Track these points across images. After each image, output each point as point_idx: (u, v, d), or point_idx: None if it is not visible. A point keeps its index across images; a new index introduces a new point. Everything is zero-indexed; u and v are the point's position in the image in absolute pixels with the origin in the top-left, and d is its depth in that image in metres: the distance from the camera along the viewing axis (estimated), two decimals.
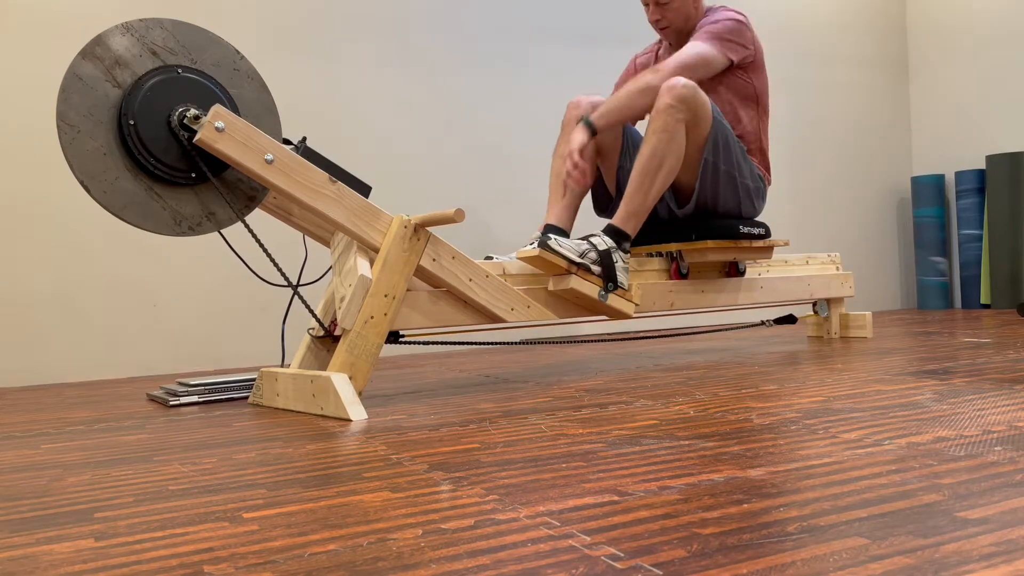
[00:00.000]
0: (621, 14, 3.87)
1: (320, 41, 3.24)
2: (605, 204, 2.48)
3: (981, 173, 4.32)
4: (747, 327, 2.54)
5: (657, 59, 2.50)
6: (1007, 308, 4.10)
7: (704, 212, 2.32)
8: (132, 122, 1.69)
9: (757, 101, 2.37)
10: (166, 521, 0.91)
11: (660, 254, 2.43)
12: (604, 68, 3.76)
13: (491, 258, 2.20)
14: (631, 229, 2.12)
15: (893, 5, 4.73)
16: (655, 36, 3.85)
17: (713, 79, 2.31)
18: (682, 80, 2.11)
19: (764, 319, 2.36)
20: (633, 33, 3.87)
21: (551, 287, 2.04)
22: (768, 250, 2.45)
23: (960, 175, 4.37)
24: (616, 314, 2.11)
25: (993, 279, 4.16)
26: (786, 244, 2.52)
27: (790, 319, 2.77)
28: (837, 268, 2.86)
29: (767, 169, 2.44)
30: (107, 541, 0.85)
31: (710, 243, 2.29)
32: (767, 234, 2.42)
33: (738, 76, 2.33)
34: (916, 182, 4.48)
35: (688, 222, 2.33)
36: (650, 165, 2.10)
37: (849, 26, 4.57)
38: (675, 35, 2.39)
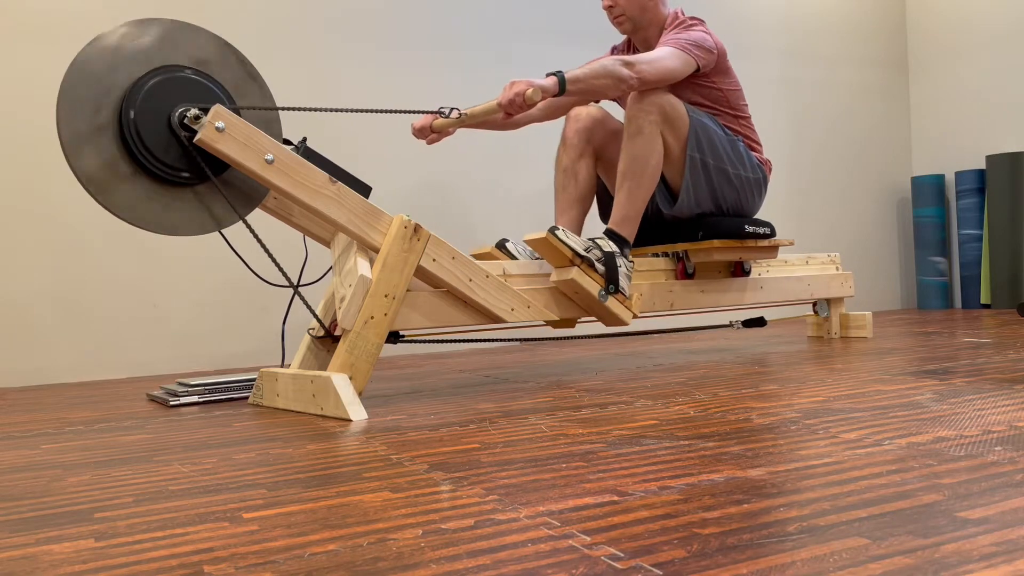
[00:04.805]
0: None
1: (320, 41, 3.24)
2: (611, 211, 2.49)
3: (981, 173, 4.31)
4: (714, 328, 2.53)
5: (633, 53, 2.45)
6: (1007, 308, 4.10)
7: (705, 211, 2.32)
8: (133, 121, 1.69)
9: (727, 101, 2.36)
10: (166, 521, 0.91)
11: (666, 254, 2.44)
12: None
13: (506, 241, 2.22)
14: (628, 234, 2.15)
15: (893, 5, 4.73)
16: None
17: (684, 88, 2.31)
18: (648, 86, 2.12)
19: (732, 320, 2.35)
20: None
21: (553, 277, 2.04)
22: (773, 250, 2.45)
23: (960, 175, 4.37)
24: (613, 319, 2.11)
25: (993, 279, 4.16)
26: (791, 244, 2.53)
27: (760, 322, 2.69)
28: (837, 268, 2.86)
29: (763, 157, 2.44)
30: (107, 541, 0.85)
31: (716, 243, 2.30)
32: (772, 233, 2.42)
33: (704, 83, 2.32)
34: (916, 182, 4.48)
35: (694, 221, 2.33)
36: (632, 169, 2.13)
37: (849, 26, 4.57)
38: (632, 25, 2.35)
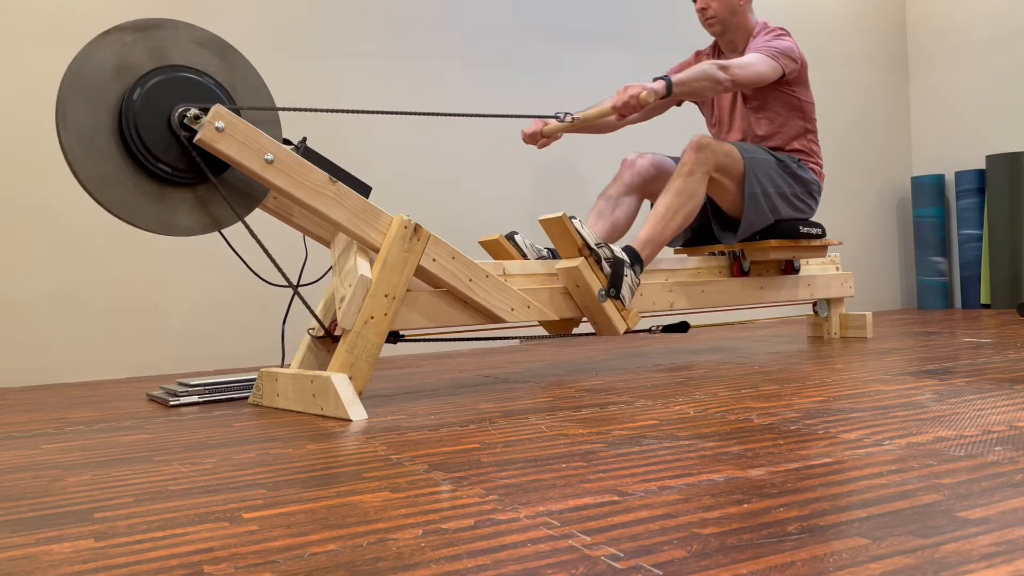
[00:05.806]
0: (621, 15, 3.87)
1: (320, 41, 3.24)
2: None
3: (981, 173, 4.31)
4: (642, 332, 2.64)
5: (718, 56, 2.66)
6: (1007, 308, 4.10)
7: (766, 225, 2.47)
8: (134, 127, 1.69)
9: (802, 112, 2.55)
10: (166, 521, 0.91)
11: (723, 252, 2.57)
12: (606, 69, 3.77)
13: (515, 233, 2.25)
14: (647, 256, 2.23)
15: (893, 5, 4.73)
16: (661, 39, 3.86)
17: (767, 93, 2.51)
18: (705, 138, 2.30)
19: (652, 326, 2.39)
20: (634, 34, 3.86)
21: (559, 265, 2.07)
22: (823, 248, 2.60)
23: (960, 175, 4.37)
24: (607, 325, 2.10)
25: (993, 279, 4.16)
26: (839, 244, 2.65)
27: (682, 327, 2.50)
28: (837, 268, 2.86)
29: (819, 169, 2.61)
30: (107, 541, 0.85)
31: (773, 242, 2.44)
32: (823, 233, 2.57)
33: (786, 90, 2.51)
34: (916, 182, 4.47)
35: None
36: (676, 202, 2.26)
37: (849, 26, 4.57)
38: (721, 27, 2.52)
